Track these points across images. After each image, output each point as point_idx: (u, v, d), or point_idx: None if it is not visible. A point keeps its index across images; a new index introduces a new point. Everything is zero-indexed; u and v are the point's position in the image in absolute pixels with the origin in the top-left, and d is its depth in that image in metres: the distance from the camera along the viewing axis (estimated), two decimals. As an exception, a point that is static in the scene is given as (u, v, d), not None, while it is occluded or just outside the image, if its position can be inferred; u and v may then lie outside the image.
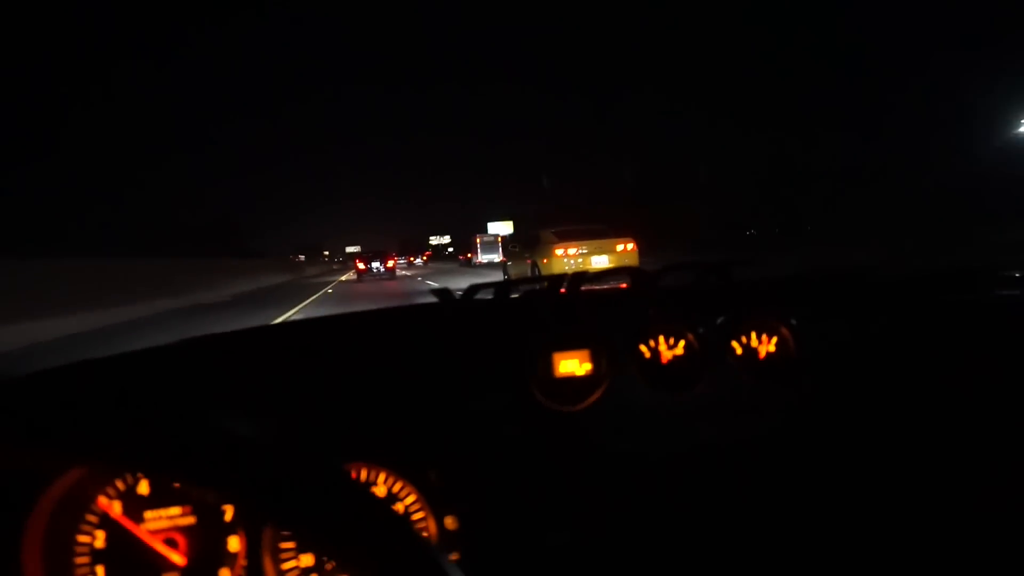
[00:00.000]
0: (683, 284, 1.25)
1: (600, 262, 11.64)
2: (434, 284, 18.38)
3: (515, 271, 14.15)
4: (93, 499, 0.79)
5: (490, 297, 1.20)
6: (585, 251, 11.59)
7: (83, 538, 0.78)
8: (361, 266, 28.62)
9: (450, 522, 0.87)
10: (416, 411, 0.94)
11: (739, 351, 1.14)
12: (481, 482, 0.91)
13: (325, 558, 0.81)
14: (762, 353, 1.15)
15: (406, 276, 29.70)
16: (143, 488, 0.81)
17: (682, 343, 1.13)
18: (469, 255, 53.62)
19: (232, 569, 0.81)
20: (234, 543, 0.81)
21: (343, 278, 31.95)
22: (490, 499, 0.90)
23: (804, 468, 1.05)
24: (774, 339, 1.15)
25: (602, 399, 1.06)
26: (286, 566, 0.81)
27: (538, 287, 1.25)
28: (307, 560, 0.82)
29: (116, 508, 0.79)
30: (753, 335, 1.15)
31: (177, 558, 0.79)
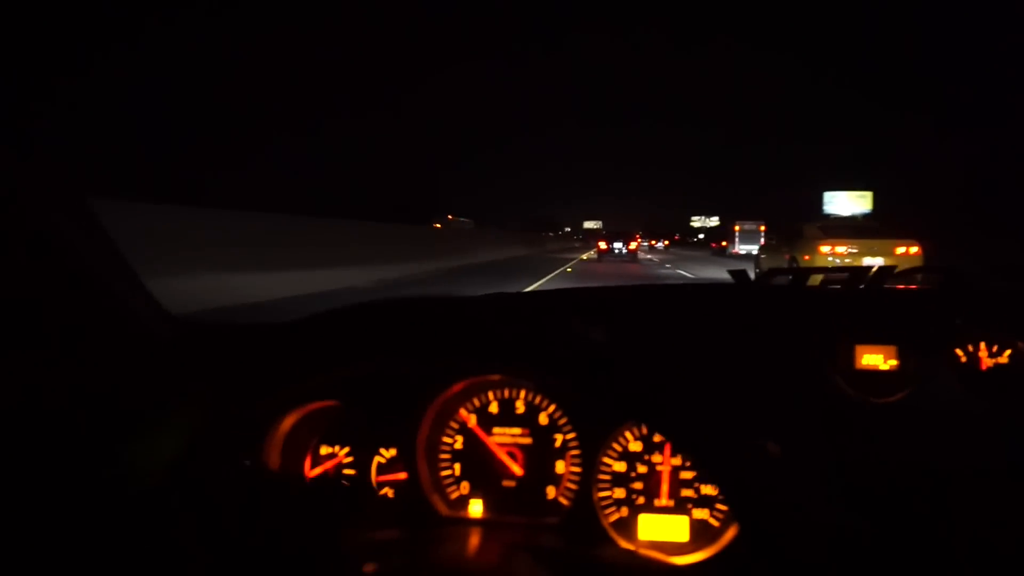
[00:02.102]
0: (1009, 289, 1.16)
1: (873, 265, 10.21)
2: (684, 272, 17.78)
3: (768, 266, 13.25)
4: (456, 411, 0.97)
5: (786, 284, 1.22)
6: (855, 251, 10.32)
7: (447, 439, 0.97)
8: (603, 245, 28.05)
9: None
10: (718, 383, 1.00)
11: None
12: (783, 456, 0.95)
13: (640, 486, 0.91)
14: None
15: (649, 260, 28.39)
16: (493, 408, 0.97)
17: (1008, 352, 1.05)
18: (723, 243, 46.65)
19: (557, 488, 0.94)
20: (560, 466, 0.95)
21: (584, 256, 31.05)
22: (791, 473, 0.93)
23: None
24: None
25: (910, 398, 1.03)
26: (601, 494, 0.93)
27: (837, 278, 1.24)
28: (619, 493, 0.93)
29: (472, 420, 0.97)
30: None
31: (516, 468, 0.95)
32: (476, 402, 0.97)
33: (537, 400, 0.96)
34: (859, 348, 1.08)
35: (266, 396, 0.88)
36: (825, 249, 10.50)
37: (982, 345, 1.06)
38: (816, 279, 1.26)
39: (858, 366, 1.07)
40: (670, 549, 0.88)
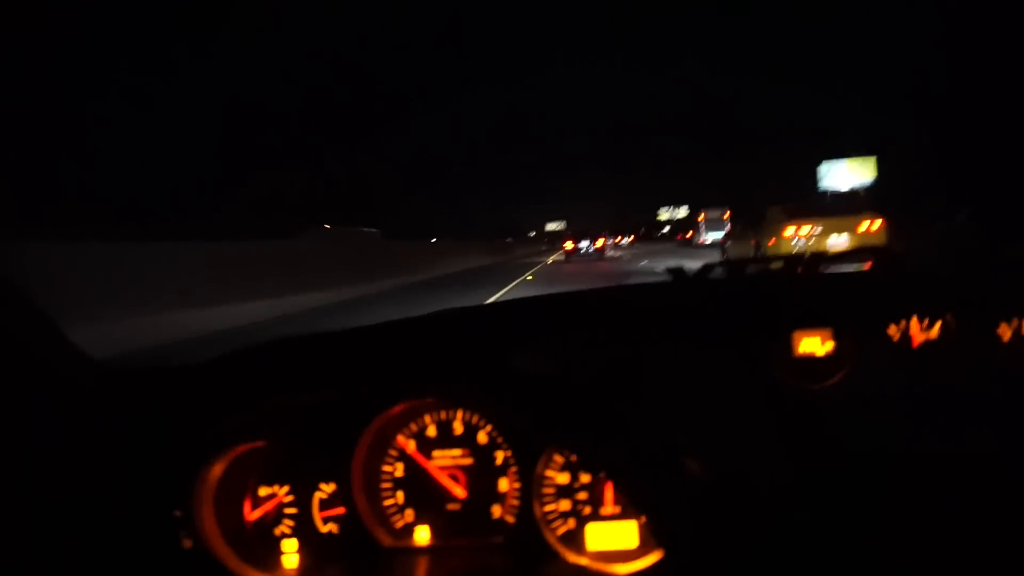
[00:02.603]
0: (940, 267, 1.18)
1: (838, 243, 10.10)
2: (653, 266, 17.60)
3: (735, 253, 12.89)
4: (393, 437, 0.96)
5: (723, 276, 1.22)
6: (820, 230, 10.18)
7: (387, 468, 0.95)
8: (569, 246, 27.88)
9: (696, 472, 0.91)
10: (659, 382, 1.00)
11: (1007, 336, 1.05)
12: (721, 447, 0.95)
13: (585, 496, 0.90)
14: (1036, 340, 1.04)
15: (617, 258, 27.27)
16: (431, 431, 0.96)
17: (938, 326, 1.06)
18: (689, 234, 46.16)
19: (502, 505, 0.93)
20: (503, 484, 0.93)
21: (549, 260, 29.39)
22: (730, 463, 0.93)
23: None
24: (1052, 325, 1.04)
25: (845, 381, 1.04)
26: (547, 508, 0.92)
27: (772, 267, 1.24)
28: (565, 505, 0.92)
29: (411, 445, 0.95)
30: (1025, 320, 1.05)
31: (459, 491, 0.94)
32: (413, 427, 0.96)
33: (474, 420, 0.95)
34: (796, 335, 1.08)
35: (187, 442, 0.85)
36: (789, 232, 10.39)
37: (913, 321, 1.07)
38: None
39: (796, 353, 1.08)
40: (620, 557, 0.87)
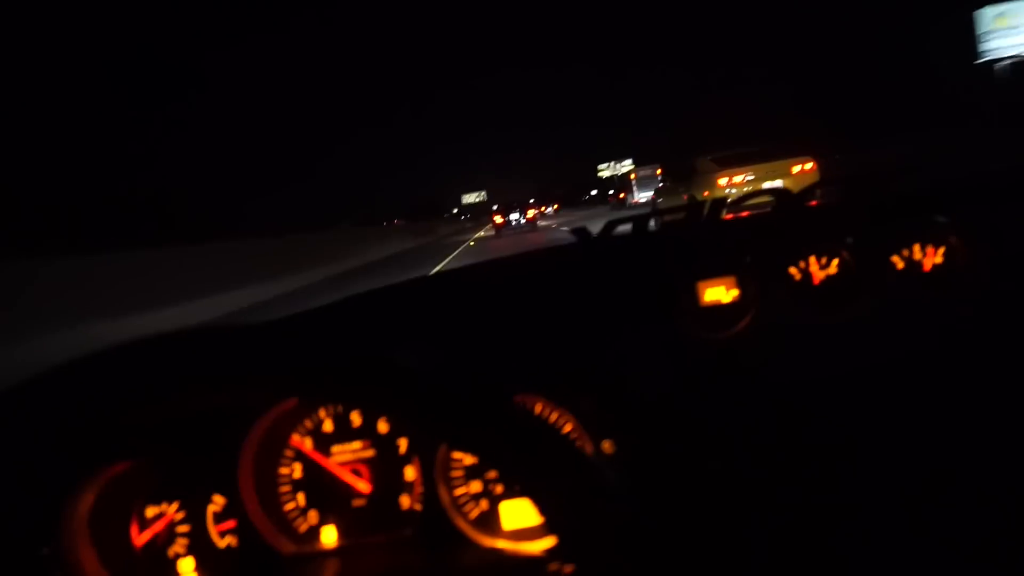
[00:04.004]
0: (835, 201, 1.18)
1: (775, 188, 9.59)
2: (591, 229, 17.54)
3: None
4: (287, 437, 0.89)
5: (628, 231, 1.19)
6: (753, 177, 9.62)
7: (284, 470, 0.88)
8: (499, 220, 25.56)
9: (607, 446, 0.89)
10: (566, 346, 0.97)
11: (900, 265, 1.06)
12: (634, 410, 0.93)
13: (495, 475, 0.86)
14: (927, 265, 1.06)
15: (548, 227, 25.74)
16: (327, 426, 0.89)
17: (835, 262, 1.07)
18: (621, 194, 43.97)
19: (411, 495, 0.88)
20: (410, 472, 0.88)
21: (471, 241, 25.93)
22: (644, 425, 0.91)
23: (968, 388, 0.97)
24: (941, 249, 1.06)
25: (752, 325, 1.03)
26: (457, 492, 0.87)
27: (676, 219, 1.23)
28: (476, 486, 0.88)
29: (307, 444, 0.89)
30: (917, 247, 1.06)
31: (363, 486, 0.88)
32: (308, 424, 0.89)
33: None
34: (701, 284, 1.07)
35: (46, 469, 0.77)
36: (723, 181, 9.85)
37: (812, 260, 1.07)
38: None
39: (702, 303, 1.06)
40: (538, 533, 0.84)
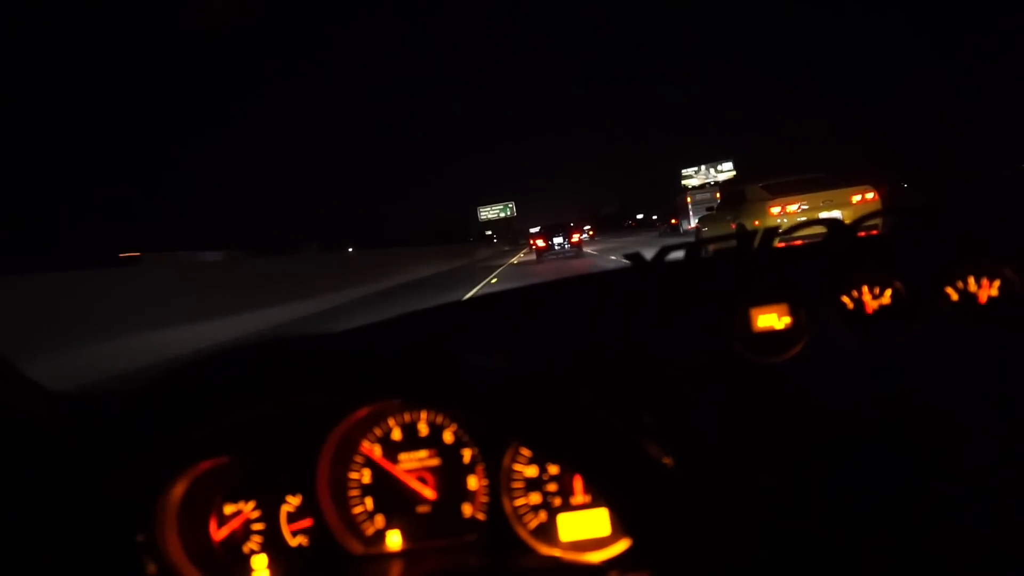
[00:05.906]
0: (887, 232, 1.20)
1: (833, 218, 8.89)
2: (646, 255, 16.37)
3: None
4: (358, 444, 0.94)
5: (681, 258, 1.23)
6: (807, 207, 9.13)
7: (354, 475, 0.94)
8: (540, 244, 22.16)
9: (668, 462, 0.92)
10: (627, 363, 1.00)
11: (955, 297, 1.08)
12: (691, 428, 0.96)
13: (555, 487, 0.90)
14: (983, 298, 1.07)
15: (592, 254, 22.59)
16: (396, 435, 0.95)
17: (888, 292, 1.09)
18: (673, 220, 39.82)
19: (473, 504, 0.92)
20: (473, 482, 0.93)
21: (499, 269, 21.65)
22: (701, 442, 0.94)
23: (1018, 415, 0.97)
24: (996, 283, 1.07)
25: (805, 351, 1.06)
26: (517, 502, 0.91)
27: (728, 247, 1.26)
28: (535, 498, 0.91)
29: (377, 451, 0.94)
30: (971, 280, 1.08)
31: (428, 492, 0.93)
32: (378, 432, 0.94)
33: (439, 420, 0.94)
34: (754, 311, 1.10)
35: (146, 464, 0.83)
36: (776, 211, 9.35)
37: (864, 289, 1.09)
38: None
39: (755, 329, 1.09)
40: (593, 545, 0.87)
